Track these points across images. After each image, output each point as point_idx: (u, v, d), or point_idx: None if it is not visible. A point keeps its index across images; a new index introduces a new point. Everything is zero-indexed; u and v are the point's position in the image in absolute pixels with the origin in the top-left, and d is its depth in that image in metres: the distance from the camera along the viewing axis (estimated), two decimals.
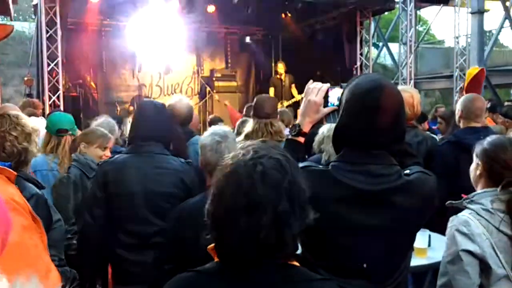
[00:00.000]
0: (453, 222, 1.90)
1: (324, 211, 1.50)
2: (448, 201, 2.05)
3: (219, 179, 1.12)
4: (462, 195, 2.04)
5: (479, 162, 2.03)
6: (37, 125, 2.22)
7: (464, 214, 1.90)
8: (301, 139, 1.77)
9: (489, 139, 2.05)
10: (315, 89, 1.74)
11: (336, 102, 1.69)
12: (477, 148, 2.06)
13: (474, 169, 2.07)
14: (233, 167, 1.11)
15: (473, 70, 6.10)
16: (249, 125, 3.40)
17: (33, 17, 12.51)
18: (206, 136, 2.20)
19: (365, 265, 1.52)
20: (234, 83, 12.06)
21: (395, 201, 1.50)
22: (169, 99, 3.89)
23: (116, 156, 2.65)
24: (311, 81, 1.78)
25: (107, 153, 3.11)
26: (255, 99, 3.66)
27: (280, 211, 1.05)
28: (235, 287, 1.11)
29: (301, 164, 1.58)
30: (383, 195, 1.49)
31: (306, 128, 1.76)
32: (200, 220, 1.98)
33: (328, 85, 1.76)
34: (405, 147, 1.76)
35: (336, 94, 1.72)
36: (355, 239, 1.50)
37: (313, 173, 1.53)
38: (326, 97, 1.75)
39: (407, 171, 1.55)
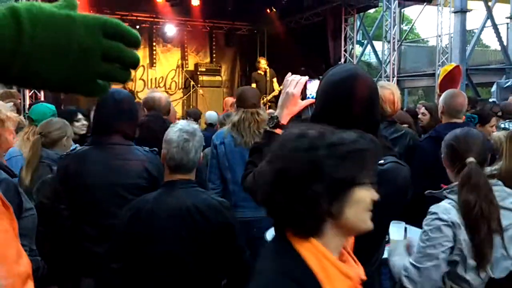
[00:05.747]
0: (434, 209, 1.96)
1: None
2: (428, 191, 2.11)
3: None
4: (442, 185, 2.10)
5: (444, 155, 2.14)
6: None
7: (445, 204, 1.97)
8: (279, 131, 1.78)
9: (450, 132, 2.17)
10: (294, 81, 1.75)
11: (314, 95, 1.71)
12: (442, 145, 2.17)
13: (444, 163, 2.16)
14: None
15: (448, 67, 6.17)
16: (236, 115, 3.42)
17: None
18: (174, 131, 2.12)
19: None
20: (218, 78, 12.04)
21: None
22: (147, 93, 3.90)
23: (78, 148, 2.59)
24: (289, 73, 1.80)
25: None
26: (238, 91, 3.71)
27: (280, 169, 1.09)
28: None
29: None
30: None
31: (284, 120, 1.77)
32: (156, 218, 2.01)
33: (306, 77, 1.78)
34: (381, 140, 1.77)
35: (314, 86, 1.73)
36: None
37: None
38: (304, 89, 1.77)
39: (381, 161, 1.54)
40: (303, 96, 1.78)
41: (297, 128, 1.14)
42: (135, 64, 0.71)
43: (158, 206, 2.03)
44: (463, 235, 1.89)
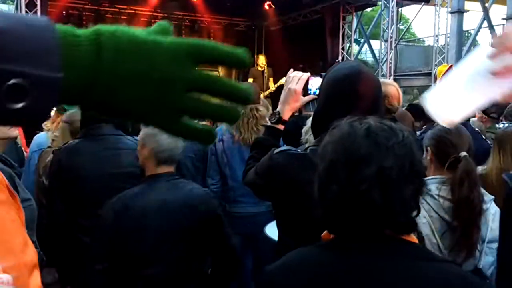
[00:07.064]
0: None
1: (301, 193, 1.54)
2: None
3: (325, 139, 1.09)
4: None
5: (428, 148, 2.07)
6: None
7: None
8: (281, 127, 1.80)
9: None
10: (296, 77, 1.77)
11: (316, 91, 1.73)
12: (425, 139, 2.12)
13: (425, 157, 2.10)
14: (338, 127, 1.07)
15: (443, 67, 6.20)
16: None
17: None
18: None
19: None
20: (215, 73, 12.02)
21: None
22: None
23: (70, 142, 2.59)
24: (291, 69, 1.82)
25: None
26: None
27: (384, 167, 0.96)
28: (343, 260, 1.04)
29: (279, 148, 1.62)
30: None
31: (286, 116, 1.79)
32: (146, 213, 1.97)
33: (308, 74, 1.80)
34: None
35: (316, 83, 1.75)
36: None
37: (291, 156, 1.56)
38: (306, 86, 1.79)
39: None
40: (305, 92, 1.80)
41: (361, 122, 1.04)
42: (243, 96, 0.57)
43: (146, 202, 2.00)
44: (426, 227, 1.86)
